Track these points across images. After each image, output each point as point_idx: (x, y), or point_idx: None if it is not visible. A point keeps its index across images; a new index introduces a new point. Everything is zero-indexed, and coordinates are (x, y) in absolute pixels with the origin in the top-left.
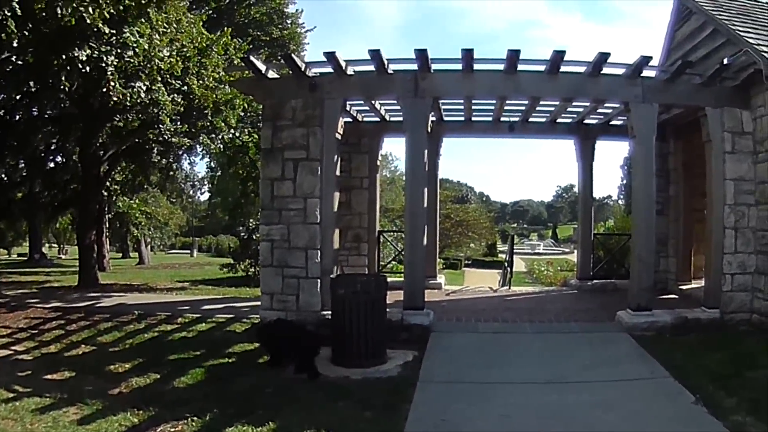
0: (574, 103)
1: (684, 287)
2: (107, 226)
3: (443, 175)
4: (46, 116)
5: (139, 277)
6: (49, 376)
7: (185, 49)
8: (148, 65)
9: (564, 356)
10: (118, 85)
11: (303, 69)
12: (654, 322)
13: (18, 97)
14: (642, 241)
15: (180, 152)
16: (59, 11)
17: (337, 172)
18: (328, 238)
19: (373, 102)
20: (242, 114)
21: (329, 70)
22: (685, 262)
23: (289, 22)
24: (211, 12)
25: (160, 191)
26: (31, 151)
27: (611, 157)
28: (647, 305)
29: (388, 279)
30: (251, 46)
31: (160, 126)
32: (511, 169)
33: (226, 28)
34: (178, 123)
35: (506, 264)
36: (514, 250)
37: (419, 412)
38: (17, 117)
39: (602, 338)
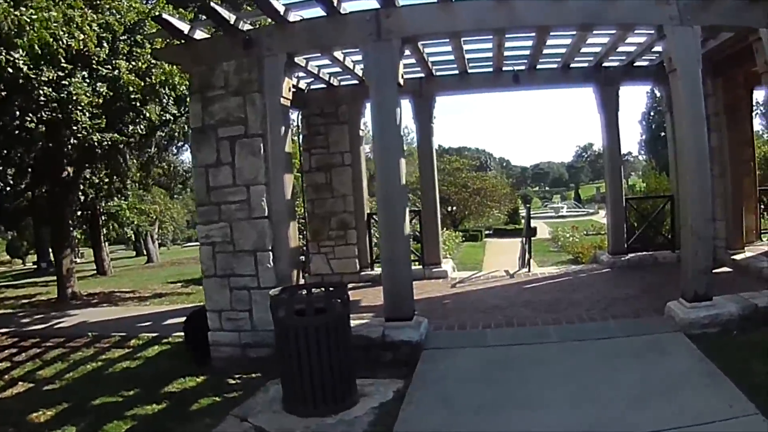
0: (589, 41)
1: (737, 257)
2: (103, 228)
3: (460, 143)
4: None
5: (135, 280)
6: None
7: (112, 27)
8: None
9: (603, 380)
10: None
11: (232, 22)
12: (716, 316)
13: None
14: (696, 208)
15: (158, 147)
16: None
17: (287, 149)
18: (283, 235)
19: (343, 61)
20: None
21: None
22: (736, 226)
23: None
24: None
25: (143, 189)
26: (21, 158)
27: (627, 111)
28: (706, 292)
29: None
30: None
31: (74, 127)
32: (530, 131)
33: None
34: (100, 118)
35: (523, 241)
36: (537, 215)
37: None
38: None
39: (651, 344)
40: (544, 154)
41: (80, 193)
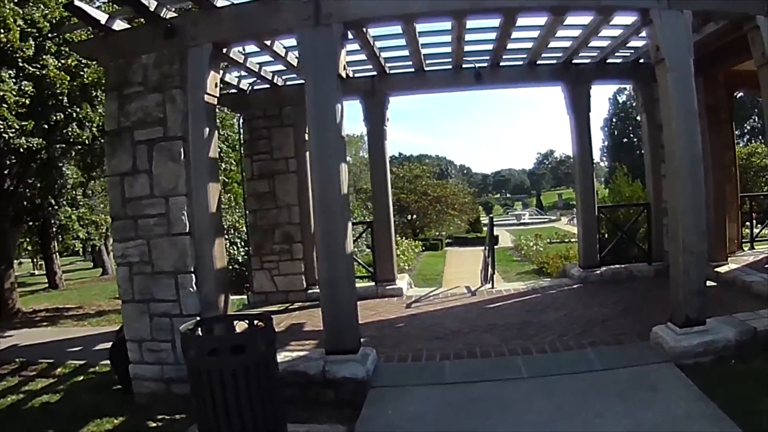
0: (559, 34)
1: (721, 269)
2: (55, 239)
3: (421, 150)
4: None
5: (84, 295)
6: None
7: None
8: None
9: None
10: None
11: (153, 8)
12: (711, 343)
13: None
14: (688, 220)
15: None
16: None
17: (213, 153)
18: (207, 253)
19: (285, 56)
20: None
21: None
22: (719, 236)
23: None
24: None
25: (86, 197)
26: None
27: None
28: (699, 316)
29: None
30: None
31: None
32: (491, 138)
33: None
34: (26, 120)
35: (486, 253)
36: (498, 222)
37: None
38: None
39: (639, 379)
40: (505, 161)
41: (26, 204)
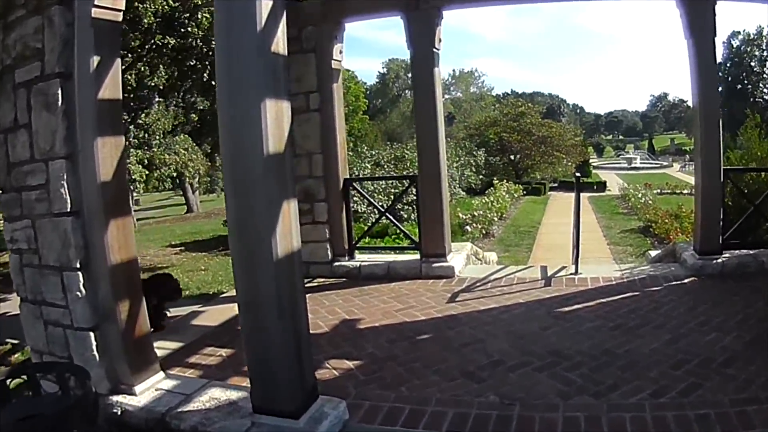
0: None
1: None
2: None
3: (534, 88)
4: None
5: (145, 239)
6: None
7: None
8: None
9: None
10: None
11: None
12: None
13: None
14: None
15: None
16: None
17: (110, 94)
18: (99, 241)
19: None
20: None
21: None
22: None
23: None
24: None
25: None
26: None
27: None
28: None
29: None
30: None
31: None
32: (607, 77)
33: None
34: None
35: (573, 232)
36: (609, 165)
37: None
38: None
39: None
40: (618, 101)
41: None
